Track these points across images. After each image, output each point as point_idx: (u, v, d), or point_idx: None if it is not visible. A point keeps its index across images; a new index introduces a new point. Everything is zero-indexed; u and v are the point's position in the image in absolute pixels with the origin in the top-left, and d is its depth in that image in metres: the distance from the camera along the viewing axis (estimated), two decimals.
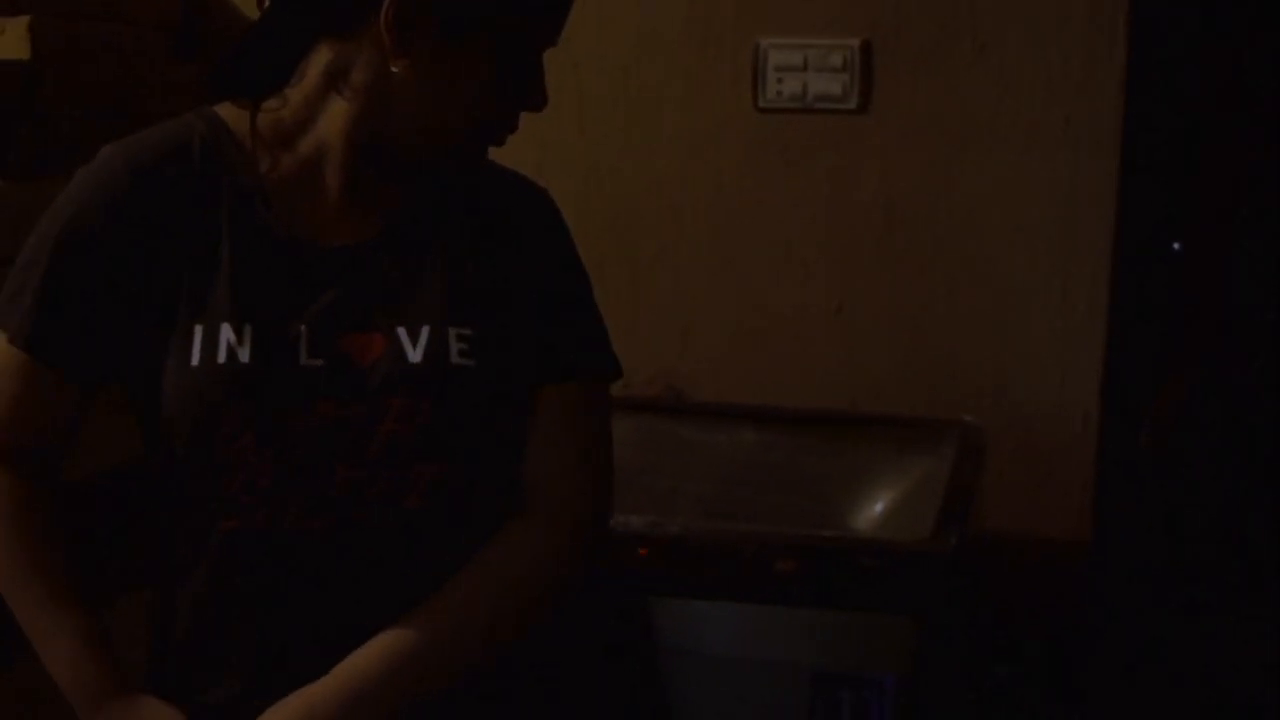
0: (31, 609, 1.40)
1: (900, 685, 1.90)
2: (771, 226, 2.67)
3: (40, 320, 1.36)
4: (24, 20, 2.27)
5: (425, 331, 1.38)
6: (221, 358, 1.33)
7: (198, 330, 1.34)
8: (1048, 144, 2.54)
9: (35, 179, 2.28)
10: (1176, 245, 2.60)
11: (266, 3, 1.40)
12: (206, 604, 1.39)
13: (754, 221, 2.68)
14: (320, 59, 1.36)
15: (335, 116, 1.36)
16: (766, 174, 2.66)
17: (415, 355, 1.37)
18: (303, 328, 1.36)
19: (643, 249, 2.73)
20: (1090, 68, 2.50)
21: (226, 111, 1.41)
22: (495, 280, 1.44)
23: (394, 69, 1.32)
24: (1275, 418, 2.55)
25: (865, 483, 2.26)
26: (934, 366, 2.63)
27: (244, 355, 1.33)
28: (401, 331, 1.38)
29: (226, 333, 1.33)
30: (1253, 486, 2.58)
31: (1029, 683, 2.55)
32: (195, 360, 1.33)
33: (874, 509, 2.21)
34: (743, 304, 2.70)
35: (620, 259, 2.73)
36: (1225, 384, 2.60)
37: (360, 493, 1.35)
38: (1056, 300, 2.57)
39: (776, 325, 2.69)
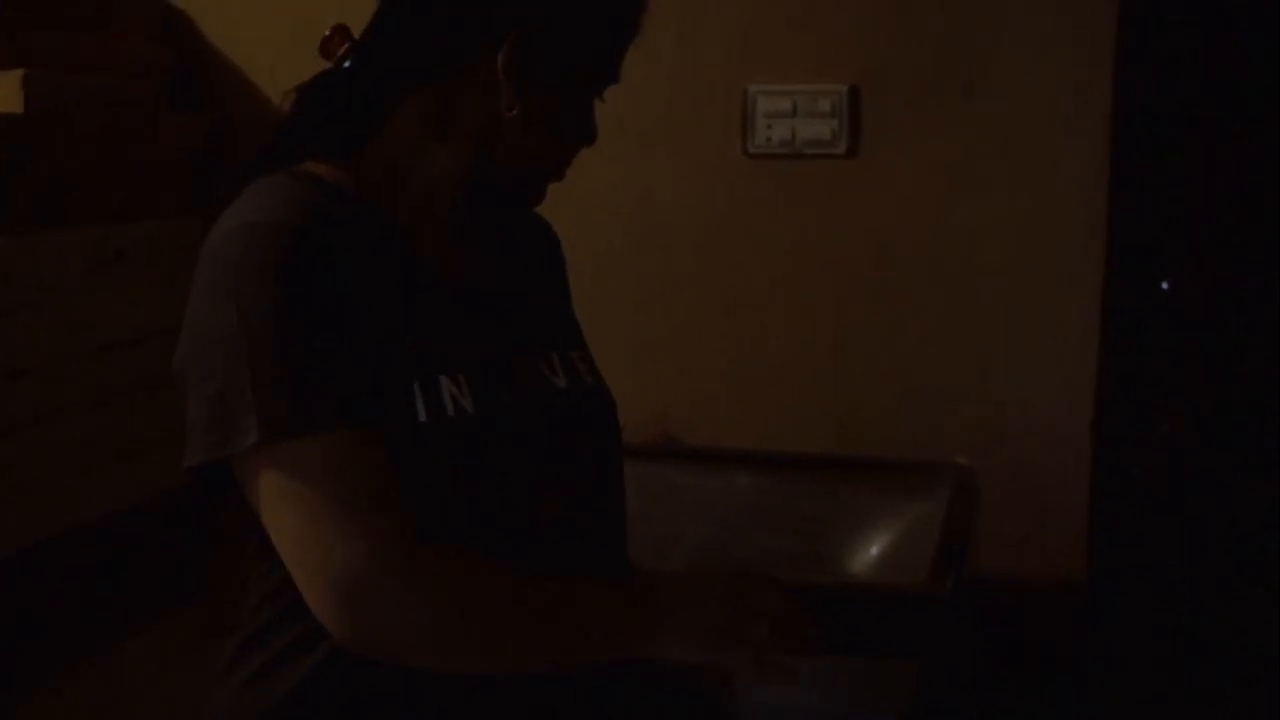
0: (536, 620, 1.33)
1: None
2: (764, 269, 2.69)
3: (329, 393, 1.29)
4: (18, 74, 2.29)
5: (556, 359, 1.49)
6: (450, 411, 1.33)
7: (415, 386, 1.33)
8: (1037, 183, 2.56)
9: (30, 230, 2.30)
10: (1165, 285, 2.61)
11: (344, 60, 1.42)
12: None
13: (747, 264, 2.69)
14: (417, 106, 1.39)
15: (442, 160, 1.40)
16: (758, 218, 2.68)
17: (561, 381, 1.47)
18: (512, 362, 1.42)
19: (637, 293, 2.74)
20: (1078, 107, 2.53)
21: (314, 170, 1.39)
22: (562, 304, 1.65)
23: (508, 112, 1.36)
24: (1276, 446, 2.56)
25: (860, 526, 2.27)
26: (929, 405, 2.65)
27: (468, 404, 1.34)
28: (549, 358, 1.48)
29: (446, 385, 1.34)
30: (1256, 519, 2.59)
31: None
32: (422, 417, 1.32)
33: (869, 553, 2.21)
34: (737, 347, 2.72)
35: (614, 303, 2.74)
36: (1225, 416, 2.61)
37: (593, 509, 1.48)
38: (1049, 337, 2.59)
39: (771, 367, 2.71)
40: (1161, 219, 2.60)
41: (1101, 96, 2.51)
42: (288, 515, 1.28)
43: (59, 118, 2.39)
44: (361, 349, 1.30)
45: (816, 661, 1.65)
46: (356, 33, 1.44)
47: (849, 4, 2.60)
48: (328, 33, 1.44)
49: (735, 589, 1.37)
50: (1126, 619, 2.66)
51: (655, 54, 2.68)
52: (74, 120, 2.43)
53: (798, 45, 2.63)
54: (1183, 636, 2.61)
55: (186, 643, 2.45)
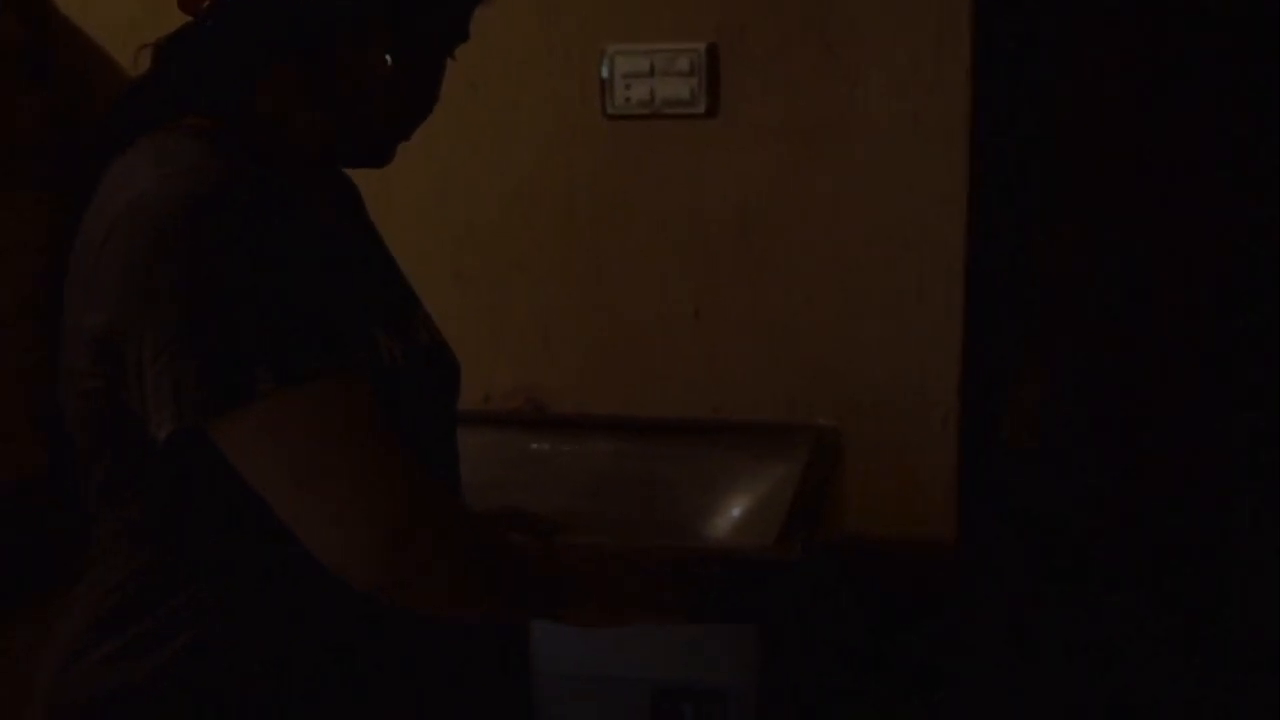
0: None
1: (744, 696, 1.87)
2: (626, 234, 2.64)
3: (330, 337, 1.30)
4: None
5: (419, 316, 1.59)
6: (386, 361, 1.40)
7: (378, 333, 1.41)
8: (898, 142, 2.52)
9: None
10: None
11: (207, 16, 1.41)
12: None
13: (609, 230, 2.65)
14: (287, 64, 1.40)
15: (311, 119, 1.42)
16: (619, 181, 2.63)
17: (426, 338, 1.56)
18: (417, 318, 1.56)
19: (498, 261, 2.69)
20: (938, 65, 2.49)
21: (198, 126, 1.38)
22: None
23: (377, 73, 1.39)
24: (1134, 409, 2.55)
25: (719, 490, 2.24)
26: (794, 370, 2.61)
27: (399, 355, 1.42)
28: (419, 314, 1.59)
29: (382, 336, 1.41)
30: (1115, 479, 2.58)
31: (897, 685, 2.53)
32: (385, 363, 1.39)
33: (728, 517, 2.18)
34: (601, 313, 2.67)
35: (477, 273, 2.69)
36: (1085, 376, 2.60)
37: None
38: (913, 300, 2.56)
39: (636, 333, 2.66)
40: (1025, 179, 2.57)
41: (962, 49, 2.48)
42: (302, 467, 1.27)
43: None
44: (335, 299, 1.32)
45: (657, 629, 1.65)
46: None
47: None
48: None
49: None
50: (992, 580, 2.65)
51: (511, 17, 2.62)
52: None
53: (655, 4, 2.57)
54: (1046, 595, 2.60)
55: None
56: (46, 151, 2.62)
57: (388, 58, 1.40)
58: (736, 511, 2.19)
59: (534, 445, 2.38)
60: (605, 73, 2.58)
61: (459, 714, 1.72)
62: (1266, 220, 2.64)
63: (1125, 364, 2.56)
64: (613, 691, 1.85)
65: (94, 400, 1.36)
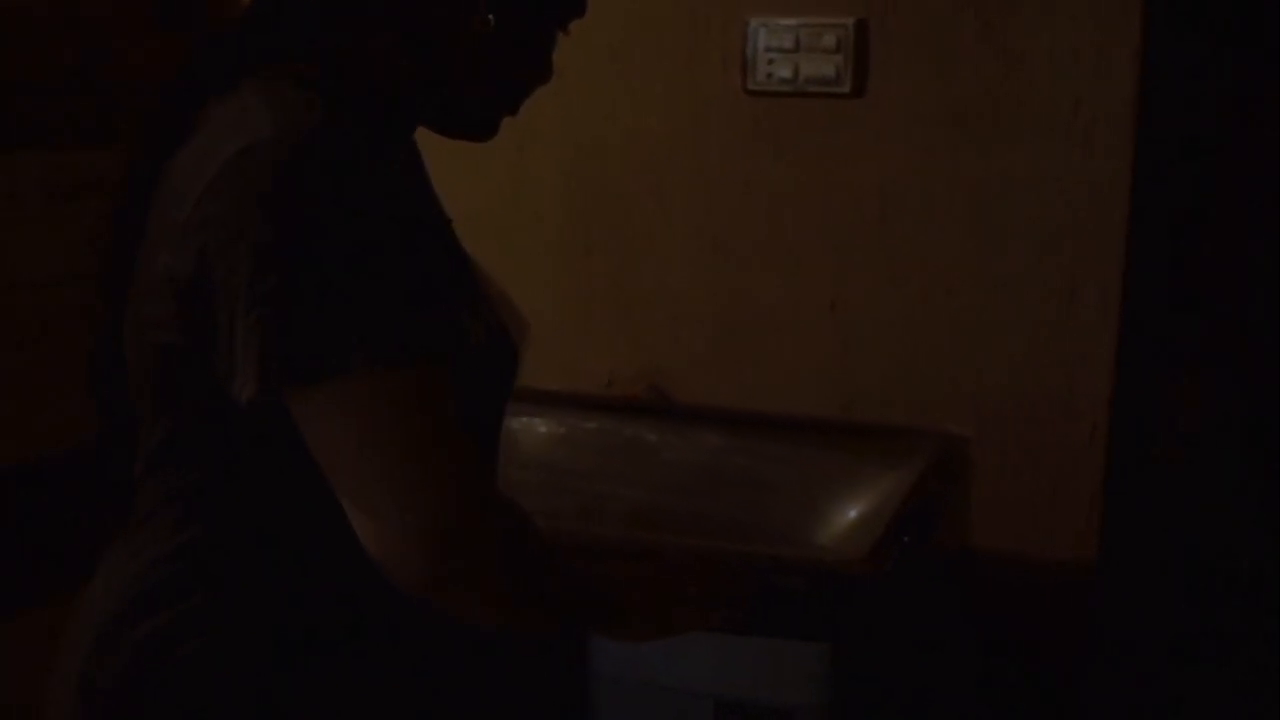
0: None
1: (811, 716, 1.74)
2: (762, 215, 2.51)
3: (429, 322, 1.24)
4: None
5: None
6: (470, 342, 1.35)
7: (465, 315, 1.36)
8: (1057, 129, 2.33)
9: None
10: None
11: None
12: None
13: (743, 210, 2.52)
14: (389, 16, 1.34)
15: (412, 83, 1.36)
16: (756, 160, 2.49)
17: (491, 319, 1.45)
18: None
19: (629, 237, 2.58)
20: (1104, 46, 2.30)
21: (306, 74, 1.32)
22: None
23: (481, 28, 1.33)
24: None
25: (826, 496, 2.09)
26: (931, 369, 2.45)
27: (480, 336, 1.37)
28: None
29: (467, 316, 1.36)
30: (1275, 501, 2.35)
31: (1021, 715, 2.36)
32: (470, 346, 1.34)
33: (829, 524, 2.04)
34: (732, 297, 2.55)
35: (607, 248, 2.59)
36: (1249, 390, 2.37)
37: None
38: (1063, 301, 2.37)
39: (767, 321, 2.53)
40: (1194, 174, 2.36)
41: (1132, 29, 2.28)
42: (379, 450, 1.20)
43: (22, 42, 2.31)
44: (433, 276, 1.27)
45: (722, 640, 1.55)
46: None
47: None
48: None
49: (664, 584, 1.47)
50: (1138, 610, 2.45)
51: None
52: (40, 45, 2.35)
53: None
54: (1196, 630, 2.39)
55: None
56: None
57: (490, 17, 1.33)
58: (840, 519, 2.04)
59: (645, 435, 2.27)
60: (748, 47, 2.45)
61: (514, 715, 1.63)
62: None
63: None
64: (673, 702, 1.73)
65: (168, 355, 1.30)
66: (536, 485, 2.06)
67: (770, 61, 2.45)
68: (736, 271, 2.53)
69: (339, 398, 1.19)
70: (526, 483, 2.08)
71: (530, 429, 2.29)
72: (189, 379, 1.29)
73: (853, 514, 2.04)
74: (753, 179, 2.50)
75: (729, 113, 2.49)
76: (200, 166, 1.26)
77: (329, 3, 1.35)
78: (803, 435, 2.28)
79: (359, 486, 1.21)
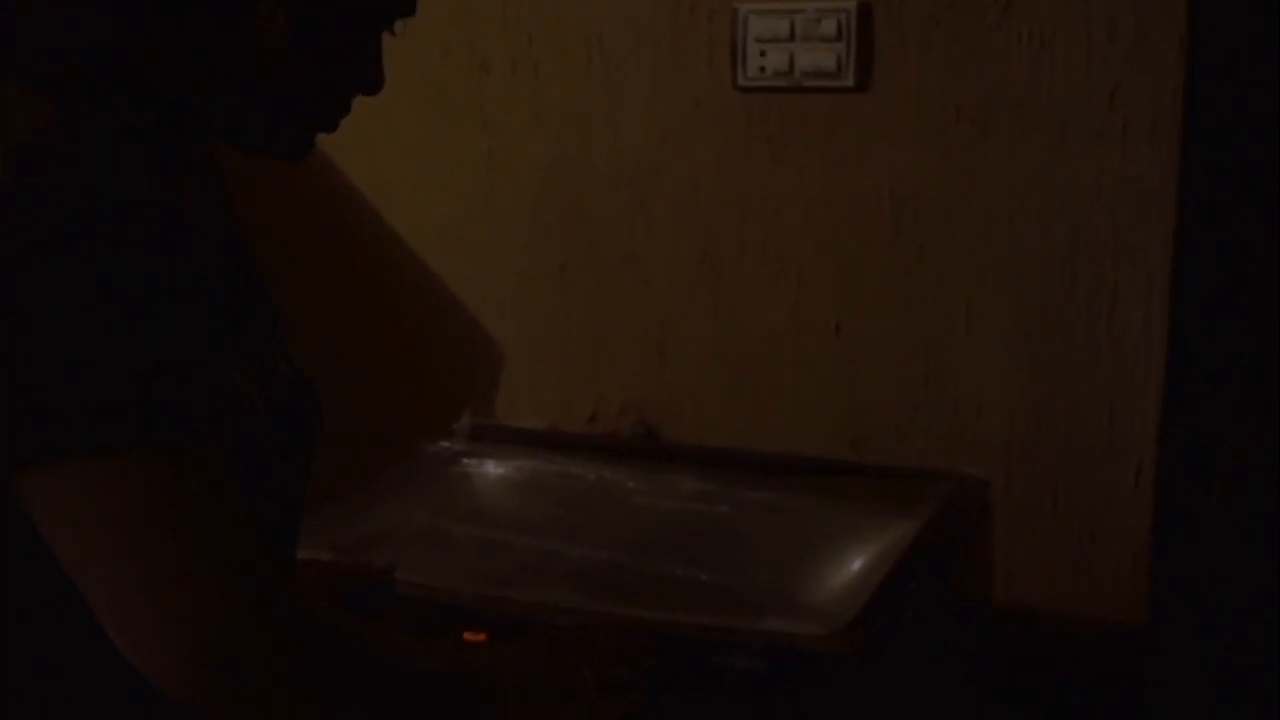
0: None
1: None
2: (757, 227, 2.21)
3: (204, 394, 1.02)
4: None
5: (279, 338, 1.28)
6: (245, 410, 1.12)
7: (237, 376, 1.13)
8: (1090, 124, 2.02)
9: None
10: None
11: None
12: None
13: (736, 221, 2.22)
14: (163, 21, 1.09)
15: (196, 92, 1.13)
16: (749, 165, 2.20)
17: (286, 369, 1.26)
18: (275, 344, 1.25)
19: (609, 253, 2.30)
20: (1143, 28, 1.99)
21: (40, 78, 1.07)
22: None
23: (268, 25, 1.10)
24: None
25: (812, 550, 1.79)
26: (950, 399, 2.14)
27: (259, 401, 1.15)
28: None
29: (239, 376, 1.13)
30: None
31: None
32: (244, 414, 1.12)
33: (810, 585, 1.73)
34: (725, 321, 2.25)
35: (583, 265, 2.31)
36: None
37: None
38: (1102, 322, 2.06)
39: (765, 348, 2.23)
40: (1249, 173, 2.04)
41: (1175, 9, 1.97)
42: (126, 548, 0.98)
43: None
44: (194, 339, 1.02)
45: None
46: None
47: None
48: None
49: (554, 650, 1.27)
50: (1193, 680, 2.12)
51: None
52: None
53: None
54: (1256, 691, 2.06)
55: None
56: None
57: (279, 12, 1.10)
58: (828, 579, 1.74)
59: (616, 480, 1.98)
60: (738, 36, 2.16)
61: None
62: None
63: None
64: None
65: None
66: (472, 541, 1.78)
67: (763, 53, 2.16)
68: (730, 291, 2.24)
69: (72, 484, 0.97)
70: (461, 538, 1.80)
71: (481, 474, 2.01)
72: None
73: (844, 574, 1.73)
74: (746, 186, 2.21)
75: (718, 112, 2.20)
76: None
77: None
78: (796, 479, 1.97)
79: (105, 591, 0.98)
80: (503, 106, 2.30)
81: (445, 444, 2.09)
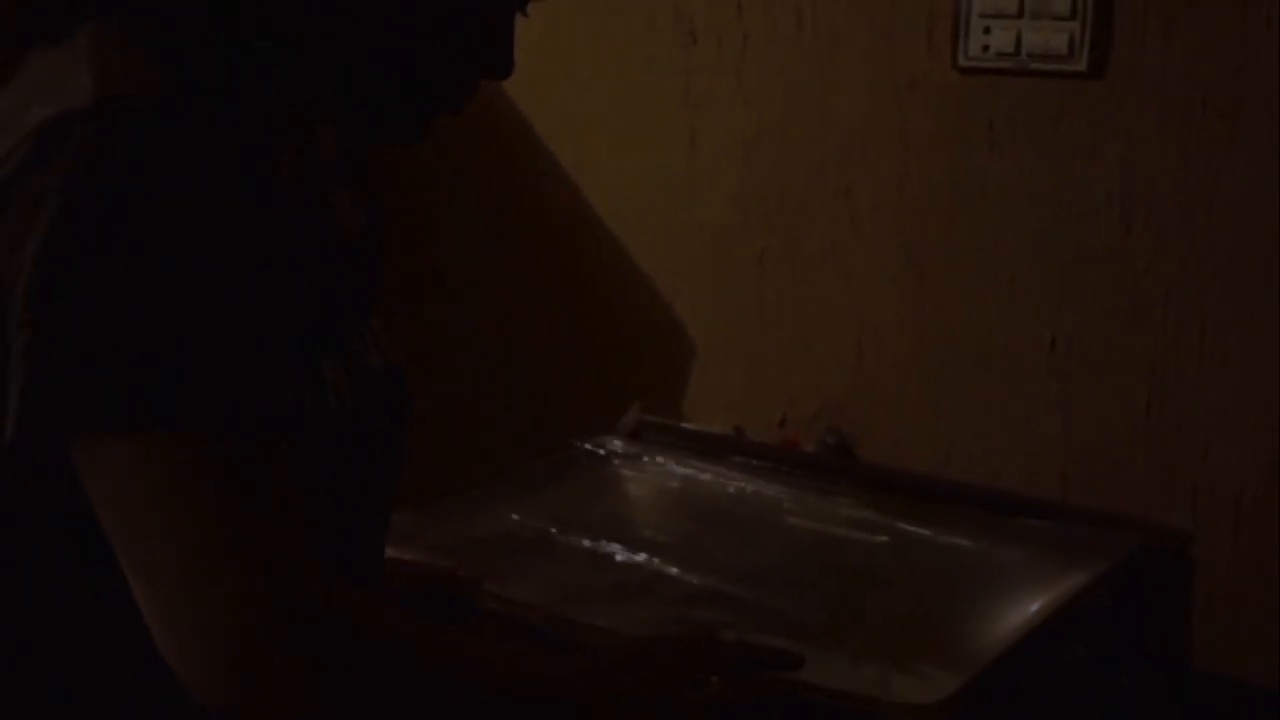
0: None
1: None
2: (968, 225, 1.98)
3: (277, 377, 0.97)
4: None
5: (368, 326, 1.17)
6: (332, 402, 1.06)
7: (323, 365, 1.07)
8: None
9: None
10: None
11: None
12: None
13: (946, 216, 1.99)
14: None
15: (306, 65, 1.06)
16: (965, 154, 1.97)
17: (377, 360, 1.15)
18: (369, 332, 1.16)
19: (809, 242, 2.10)
20: None
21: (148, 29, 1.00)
22: None
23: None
24: None
25: (954, 599, 1.57)
26: (1175, 435, 1.87)
27: (347, 394, 1.08)
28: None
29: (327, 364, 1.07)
30: None
31: None
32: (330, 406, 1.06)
33: (936, 638, 1.51)
34: (930, 326, 2.03)
35: (782, 254, 2.12)
36: None
37: None
38: None
39: (971, 359, 2.00)
40: None
41: None
42: (168, 532, 0.92)
43: None
44: (280, 317, 0.96)
45: None
46: None
47: None
48: None
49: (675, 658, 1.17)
50: None
51: None
52: None
53: None
54: None
55: None
56: None
57: None
58: (948, 633, 1.51)
59: (763, 492, 1.80)
60: (960, 12, 1.93)
61: None
62: None
63: None
64: None
65: None
66: (581, 555, 1.63)
67: (987, 30, 1.92)
68: (935, 293, 2.02)
69: (123, 458, 0.91)
70: (573, 550, 1.65)
71: (626, 477, 1.86)
72: None
73: (978, 627, 1.51)
74: (959, 178, 1.98)
75: (935, 95, 1.98)
76: None
77: None
78: (973, 514, 1.74)
79: (146, 572, 0.92)
80: (707, 80, 2.13)
81: (602, 441, 1.94)
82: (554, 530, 1.68)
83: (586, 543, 1.65)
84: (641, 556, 1.62)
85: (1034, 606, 1.54)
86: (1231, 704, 1.84)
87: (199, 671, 0.92)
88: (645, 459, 1.92)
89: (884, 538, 1.72)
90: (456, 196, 2.40)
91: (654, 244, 2.23)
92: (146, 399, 0.89)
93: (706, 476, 1.86)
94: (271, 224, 0.95)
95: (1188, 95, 1.81)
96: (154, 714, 0.97)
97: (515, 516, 1.72)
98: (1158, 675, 1.68)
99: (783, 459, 1.92)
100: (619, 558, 1.63)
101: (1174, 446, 1.87)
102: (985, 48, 1.93)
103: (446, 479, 1.78)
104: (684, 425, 2.00)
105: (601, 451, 1.93)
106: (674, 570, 1.59)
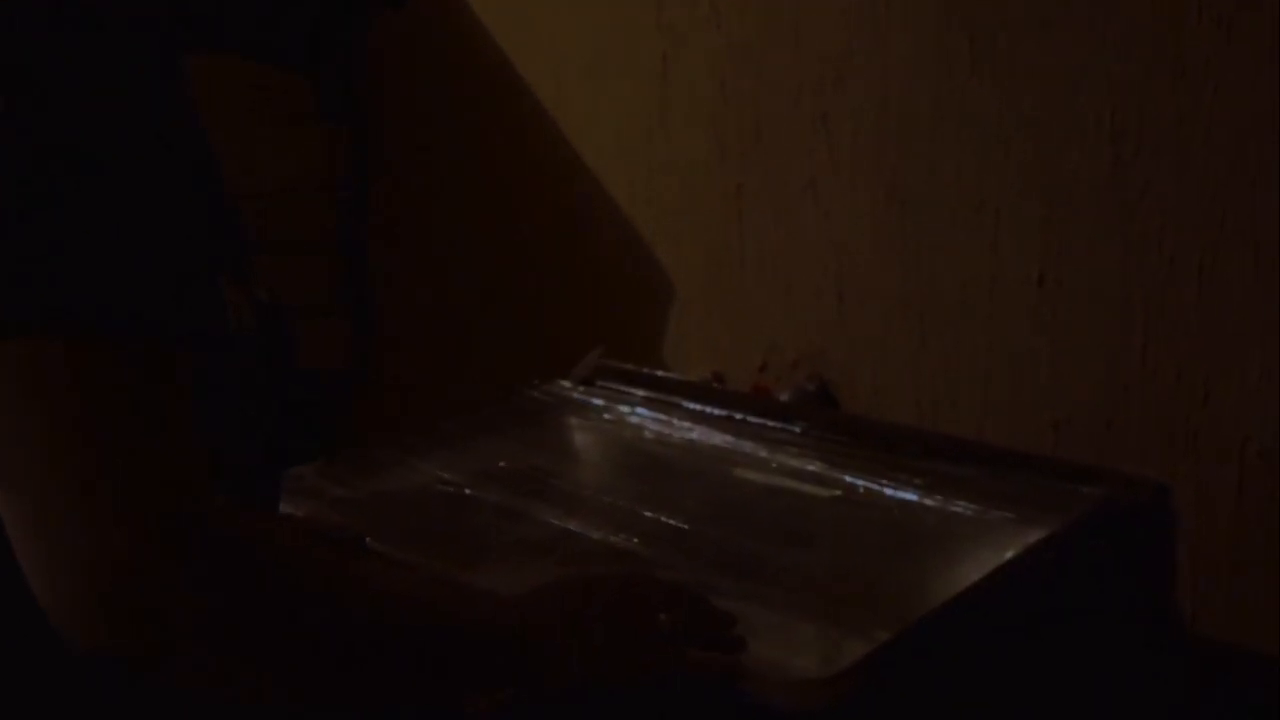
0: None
1: None
2: (951, 153, 1.81)
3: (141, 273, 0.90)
4: None
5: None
6: (231, 324, 0.98)
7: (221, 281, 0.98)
8: None
9: None
10: None
11: None
12: None
13: (928, 144, 1.83)
14: None
15: None
16: (946, 75, 1.80)
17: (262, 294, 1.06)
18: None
19: (787, 177, 1.95)
20: None
21: None
22: None
23: None
24: None
25: (892, 560, 1.42)
26: (1172, 379, 1.70)
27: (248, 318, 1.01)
28: None
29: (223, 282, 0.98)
30: None
31: None
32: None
33: (901, 606, 1.37)
34: (912, 264, 1.87)
35: (760, 190, 1.98)
36: None
37: None
38: None
39: (956, 299, 1.84)
40: None
41: None
42: (46, 438, 0.82)
43: None
44: (181, 217, 0.89)
45: None
46: None
47: None
48: None
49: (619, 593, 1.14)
50: None
51: None
52: None
53: None
54: None
55: None
56: None
57: None
58: (885, 593, 1.37)
59: (716, 442, 1.67)
60: None
61: None
62: None
63: None
64: None
65: None
66: (495, 510, 1.51)
67: None
68: (917, 229, 1.85)
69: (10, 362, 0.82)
70: (487, 504, 1.54)
71: (569, 426, 1.74)
72: None
73: (909, 593, 1.36)
74: (941, 101, 1.81)
75: (911, 10, 1.81)
76: None
77: None
78: (939, 467, 1.59)
79: (12, 490, 0.82)
80: (679, 4, 1.99)
81: (552, 388, 1.82)
82: (468, 485, 1.57)
83: (510, 498, 1.54)
84: (554, 514, 1.50)
85: (974, 567, 1.40)
86: (1234, 671, 1.67)
87: (67, 602, 0.82)
88: (597, 407, 1.80)
89: (836, 492, 1.58)
90: (432, 132, 2.29)
91: (632, 182, 2.09)
92: (49, 300, 0.81)
93: (657, 427, 1.74)
94: (179, 140, 0.88)
95: (1179, 3, 1.63)
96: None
97: (432, 469, 1.62)
98: (1132, 639, 1.53)
99: (747, 407, 1.78)
100: (531, 514, 1.51)
101: (1172, 393, 1.70)
102: None
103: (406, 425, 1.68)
104: (646, 371, 1.87)
105: (550, 399, 1.82)
106: (584, 528, 1.47)
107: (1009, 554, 1.40)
